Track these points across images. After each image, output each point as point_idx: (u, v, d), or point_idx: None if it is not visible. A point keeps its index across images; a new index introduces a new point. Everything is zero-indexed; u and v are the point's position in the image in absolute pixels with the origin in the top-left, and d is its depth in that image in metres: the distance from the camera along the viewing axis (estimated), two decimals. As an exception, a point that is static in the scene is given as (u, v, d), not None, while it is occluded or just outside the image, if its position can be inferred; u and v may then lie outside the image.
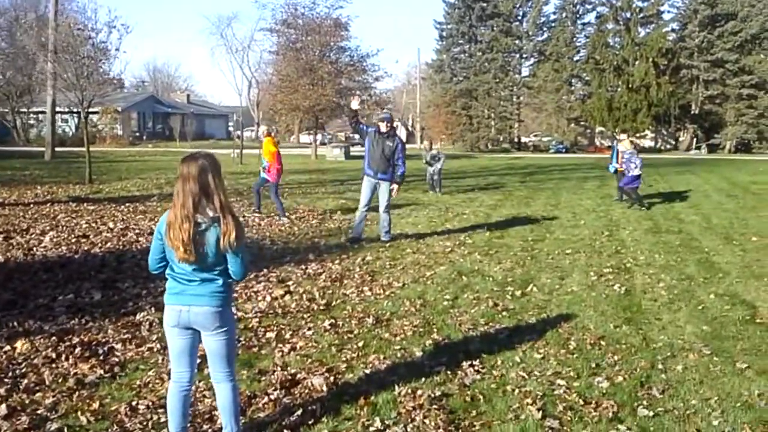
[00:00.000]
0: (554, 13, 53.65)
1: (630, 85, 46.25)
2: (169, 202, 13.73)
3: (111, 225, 10.50)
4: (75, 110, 29.99)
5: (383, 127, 9.06)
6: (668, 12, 50.00)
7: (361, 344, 5.12)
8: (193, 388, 3.77)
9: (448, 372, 4.51)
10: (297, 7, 30.93)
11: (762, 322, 5.67)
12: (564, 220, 11.77)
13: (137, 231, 10.02)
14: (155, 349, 4.94)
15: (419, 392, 4.18)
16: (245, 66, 35.32)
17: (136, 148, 45.07)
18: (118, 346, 5.02)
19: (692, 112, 48.91)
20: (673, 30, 49.92)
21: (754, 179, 20.59)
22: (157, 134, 56.69)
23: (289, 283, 7.00)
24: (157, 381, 4.37)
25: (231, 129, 61.99)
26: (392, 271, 7.60)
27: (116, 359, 4.76)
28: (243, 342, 5.16)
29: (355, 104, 9.15)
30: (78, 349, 4.87)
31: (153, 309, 5.88)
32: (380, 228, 9.48)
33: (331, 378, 4.40)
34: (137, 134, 54.85)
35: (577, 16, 52.54)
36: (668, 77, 46.36)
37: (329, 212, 12.33)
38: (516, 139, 56.08)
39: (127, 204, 13.19)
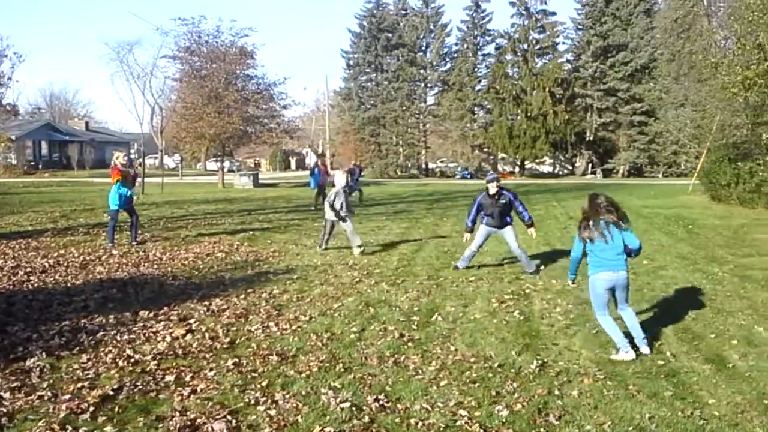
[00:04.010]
0: (456, 44, 55.62)
1: (529, 114, 48.45)
2: (63, 237, 13.03)
3: (0, 263, 9.87)
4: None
5: (492, 189, 9.32)
6: (563, 44, 52.92)
7: (265, 383, 5.04)
8: None
9: (354, 408, 4.52)
10: (201, 35, 30.55)
11: (653, 344, 5.99)
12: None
13: (29, 269, 9.51)
14: (46, 398, 4.68)
15: (326, 430, 4.16)
16: (147, 92, 34.36)
17: (31, 177, 42.76)
18: (6, 395, 4.72)
19: (587, 139, 51.67)
20: (567, 61, 52.81)
21: (645, 203, 21.90)
22: (54, 163, 54.02)
23: (191, 321, 6.81)
24: (47, 431, 4.13)
25: (133, 157, 59.97)
26: (299, 305, 7.54)
27: (3, 409, 4.46)
28: (139, 387, 4.96)
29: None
30: (-42, 403, 4.53)
31: (44, 354, 5.57)
32: (524, 264, 9.46)
33: (234, 421, 4.31)
34: (32, 163, 52.08)
35: (478, 47, 54.64)
36: (564, 106, 48.90)
37: (236, 245, 12.10)
38: (424, 166, 57.28)
39: (19, 240, 12.47)
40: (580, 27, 52.22)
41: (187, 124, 30.64)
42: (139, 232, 12.63)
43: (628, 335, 5.75)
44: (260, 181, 36.06)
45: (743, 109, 16.39)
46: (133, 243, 11.96)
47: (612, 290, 5.77)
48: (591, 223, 5.75)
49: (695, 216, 17.03)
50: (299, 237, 13.23)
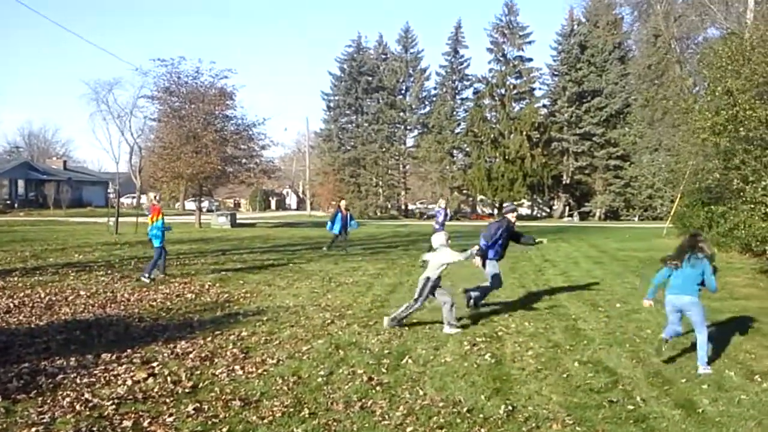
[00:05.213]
0: (435, 88, 56.55)
1: (506, 157, 49.06)
2: (31, 276, 12.79)
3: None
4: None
5: (513, 218, 9.81)
6: (539, 89, 54.06)
7: (225, 430, 4.87)
8: None
9: (315, 456, 4.36)
10: (180, 76, 30.67)
11: (623, 389, 5.93)
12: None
13: (-9, 311, 9.23)
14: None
15: (283, 480, 4.01)
16: (127, 132, 34.26)
17: (6, 216, 42.13)
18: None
19: (564, 182, 52.36)
20: (544, 105, 53.86)
21: (621, 246, 22.06)
22: (30, 202, 53.47)
23: (154, 364, 6.61)
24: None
25: (111, 196, 59.53)
26: (267, 347, 7.38)
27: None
28: (96, 433, 4.77)
29: None
30: None
31: (0, 397, 5.36)
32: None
33: (189, 470, 4.13)
34: (8, 202, 51.52)
35: (456, 91, 55.61)
36: (541, 149, 49.65)
37: (207, 285, 11.90)
38: (403, 207, 57.48)
39: (-17, 280, 12.16)
40: (556, 73, 53.42)
41: (165, 164, 30.51)
42: (113, 273, 12.40)
43: None
44: (238, 221, 35.86)
45: (715, 154, 16.68)
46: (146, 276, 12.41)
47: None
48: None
49: (669, 259, 17.14)
50: (273, 278, 13.06)
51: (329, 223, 19.30)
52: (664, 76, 34.51)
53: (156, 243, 13.00)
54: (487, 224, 10.65)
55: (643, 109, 42.33)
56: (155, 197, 14.30)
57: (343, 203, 19.65)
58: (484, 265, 9.67)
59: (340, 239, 19.14)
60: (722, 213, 17.31)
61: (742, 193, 13.26)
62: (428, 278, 8.40)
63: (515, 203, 53.43)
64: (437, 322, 8.83)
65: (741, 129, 12.94)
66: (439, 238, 8.78)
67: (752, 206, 12.56)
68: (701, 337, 6.57)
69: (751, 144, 13.13)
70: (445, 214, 17.88)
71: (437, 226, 17.39)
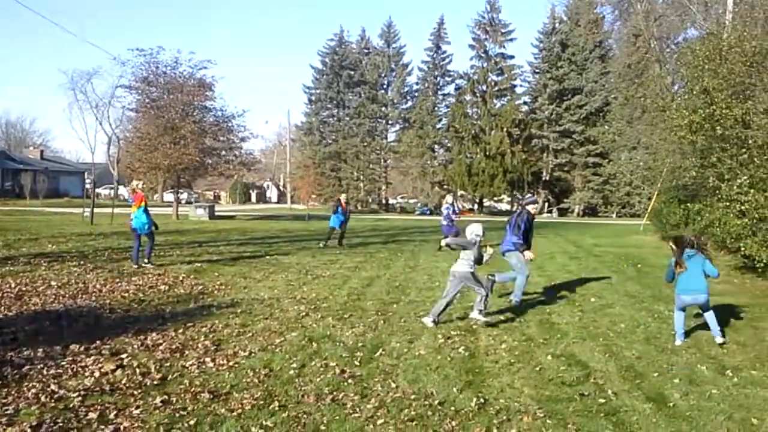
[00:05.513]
0: (417, 83, 56.56)
1: (487, 153, 49.22)
2: (2, 266, 12.56)
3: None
4: None
5: (534, 209, 10.01)
6: (520, 86, 54.29)
7: (193, 422, 4.78)
8: None
9: (283, 448, 4.30)
10: (158, 66, 30.26)
11: (595, 382, 5.94)
12: (420, 282, 11.98)
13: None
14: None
15: (249, 473, 3.94)
16: (105, 122, 33.79)
17: (-20, 206, 41.33)
18: None
19: (544, 179, 52.64)
20: (525, 102, 54.09)
21: (597, 242, 22.22)
22: (6, 192, 52.57)
23: (124, 355, 6.49)
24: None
25: (88, 186, 58.78)
26: (240, 339, 7.28)
27: None
28: (60, 424, 4.67)
29: None
30: None
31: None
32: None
33: (153, 463, 4.04)
34: (-16, 192, 50.61)
35: (438, 87, 55.63)
36: (521, 146, 49.89)
37: (182, 277, 11.75)
38: (384, 201, 57.43)
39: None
40: (537, 71, 53.64)
41: (142, 155, 30.11)
42: (86, 264, 12.21)
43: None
44: (217, 214, 35.55)
45: (692, 152, 16.81)
46: (146, 263, 12.93)
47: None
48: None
49: (645, 255, 17.31)
50: (249, 270, 12.94)
51: (333, 217, 18.85)
52: (644, 75, 34.74)
53: (143, 230, 13.11)
54: (507, 219, 10.58)
55: (622, 108, 42.67)
56: (137, 186, 14.40)
57: (343, 197, 19.45)
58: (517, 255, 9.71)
59: (337, 233, 18.88)
60: (698, 210, 17.46)
61: (717, 191, 13.38)
62: (471, 273, 8.25)
63: (496, 198, 54.08)
64: (413, 314, 8.80)
65: (717, 127, 13.05)
66: (471, 230, 8.53)
67: (727, 204, 12.68)
68: (711, 315, 7.56)
69: (727, 142, 13.24)
70: (454, 210, 17.79)
71: (444, 222, 17.36)
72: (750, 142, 12.15)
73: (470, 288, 8.39)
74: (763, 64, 12.98)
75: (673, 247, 7.83)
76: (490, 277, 9.79)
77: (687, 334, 7.76)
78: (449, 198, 19.03)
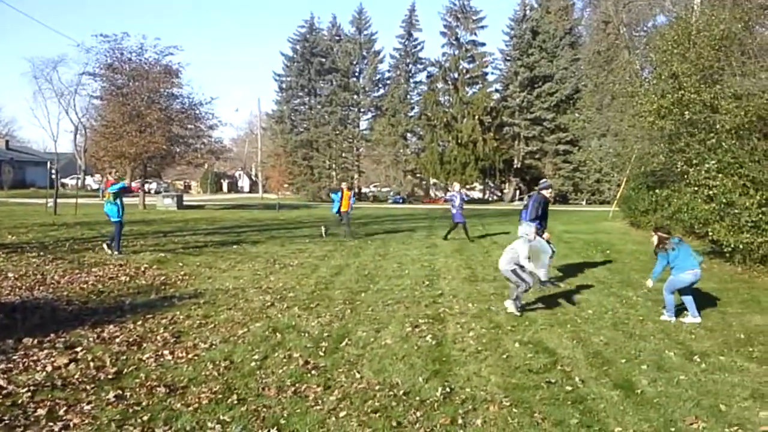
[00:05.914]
0: (389, 71, 56.12)
1: (459, 141, 49.13)
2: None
3: None
4: None
5: (549, 194, 10.33)
6: (492, 74, 54.15)
7: (147, 418, 4.58)
8: None
9: (239, 444, 4.12)
10: (123, 52, 29.47)
11: (562, 369, 5.85)
12: (389, 270, 11.82)
13: None
14: None
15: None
16: (72, 111, 32.93)
17: (-60, 197, 40.17)
18: None
19: (515, 166, 52.81)
20: (496, 90, 54.03)
21: (567, 228, 22.29)
22: (-30, 183, 50.98)
23: (78, 349, 6.24)
24: None
25: (53, 176, 57.46)
26: (201, 331, 7.06)
27: None
28: (6, 421, 4.45)
29: None
30: None
31: None
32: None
33: (99, 463, 3.84)
34: (-53, 183, 49.12)
35: (410, 74, 55.29)
36: (493, 134, 49.87)
37: (144, 268, 11.42)
38: (357, 190, 57.12)
39: None
40: (508, 58, 53.60)
41: (107, 143, 29.35)
42: (46, 255, 11.82)
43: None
44: (185, 203, 34.97)
45: (660, 137, 16.87)
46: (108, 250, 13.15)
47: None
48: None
49: (614, 241, 17.39)
50: (214, 260, 12.65)
51: (335, 204, 18.69)
52: (613, 62, 34.86)
53: (114, 218, 13.26)
54: (524, 203, 10.57)
55: (592, 95, 42.83)
56: (111, 174, 15.52)
57: (344, 185, 19.19)
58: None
59: (341, 221, 18.68)
60: (666, 196, 17.59)
61: (685, 176, 13.44)
62: (522, 266, 8.12)
63: (468, 186, 54.08)
64: (381, 303, 8.65)
65: (686, 112, 13.08)
66: (523, 229, 8.94)
67: (695, 189, 12.74)
68: (690, 297, 7.94)
69: (695, 127, 13.28)
70: (461, 198, 17.58)
71: (454, 211, 17.27)
72: (718, 126, 12.19)
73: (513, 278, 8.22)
74: (731, 48, 13.02)
75: (663, 236, 8.01)
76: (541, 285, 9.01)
77: (654, 321, 7.75)
78: (456, 186, 18.77)
